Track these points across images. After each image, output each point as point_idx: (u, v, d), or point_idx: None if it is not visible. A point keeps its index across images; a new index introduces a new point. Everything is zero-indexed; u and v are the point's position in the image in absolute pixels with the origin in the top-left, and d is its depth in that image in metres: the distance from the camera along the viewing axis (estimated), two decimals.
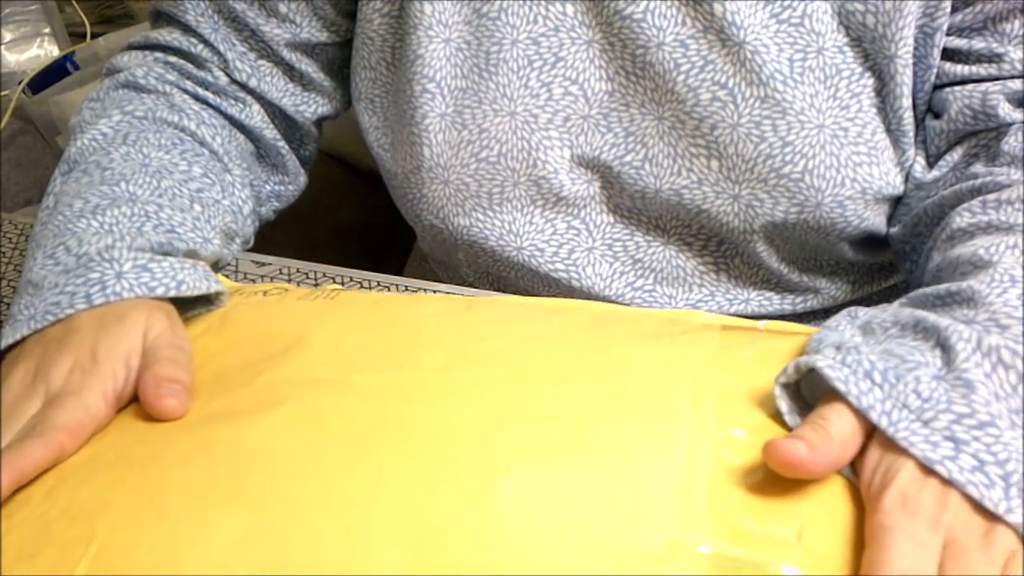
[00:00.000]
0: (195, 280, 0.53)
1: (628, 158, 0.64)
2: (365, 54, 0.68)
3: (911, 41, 0.59)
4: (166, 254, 0.54)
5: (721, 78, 0.60)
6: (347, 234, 1.14)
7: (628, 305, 0.67)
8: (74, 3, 1.37)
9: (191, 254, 0.56)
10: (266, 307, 0.55)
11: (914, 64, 0.60)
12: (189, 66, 0.69)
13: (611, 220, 0.67)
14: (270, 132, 0.71)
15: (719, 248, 0.67)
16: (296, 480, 0.41)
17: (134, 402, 0.48)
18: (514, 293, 0.71)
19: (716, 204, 0.63)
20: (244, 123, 0.69)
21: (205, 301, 0.56)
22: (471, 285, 0.74)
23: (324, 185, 1.17)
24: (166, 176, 0.59)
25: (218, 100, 0.68)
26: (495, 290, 0.73)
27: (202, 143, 0.65)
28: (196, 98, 0.68)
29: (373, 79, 0.69)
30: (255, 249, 0.71)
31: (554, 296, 0.68)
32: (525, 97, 0.64)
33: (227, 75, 0.69)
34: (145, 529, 0.39)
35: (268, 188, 0.73)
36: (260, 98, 0.70)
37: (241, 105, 0.69)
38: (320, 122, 0.75)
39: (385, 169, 0.70)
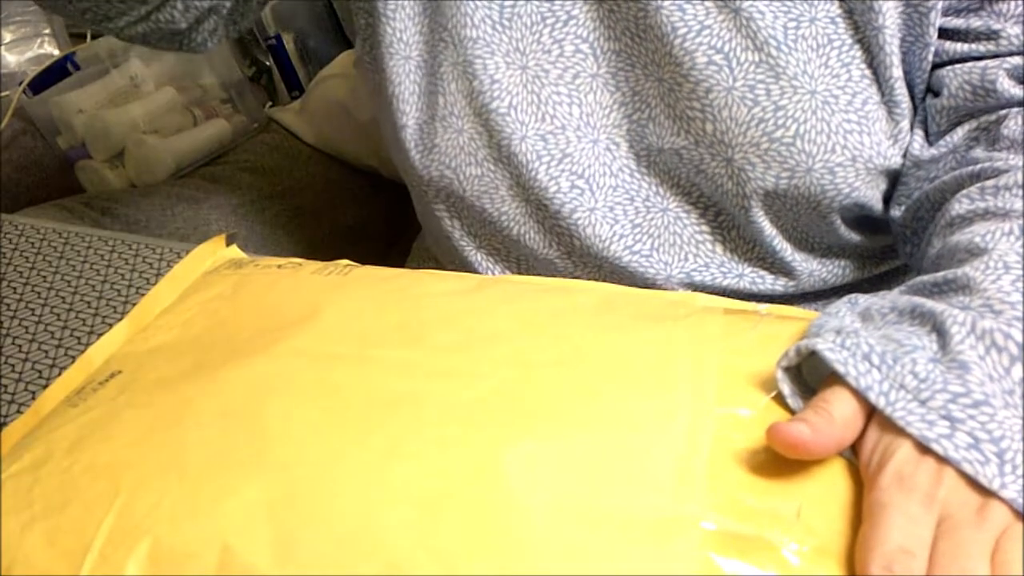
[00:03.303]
0: None
1: (635, 117, 0.65)
2: (393, 5, 0.69)
3: (895, 13, 0.60)
4: None
5: (717, 42, 0.61)
6: (347, 234, 1.14)
7: (624, 268, 0.68)
8: None
9: None
10: (280, 278, 0.56)
11: (911, 43, 0.61)
12: None
13: (613, 183, 0.67)
14: None
15: (716, 218, 0.68)
16: (315, 448, 0.42)
17: (140, 366, 0.49)
18: (509, 259, 0.72)
19: (712, 167, 0.64)
20: None
21: None
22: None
23: (324, 185, 1.18)
24: None
25: None
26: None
27: None
28: None
29: None
30: (255, 250, 0.72)
31: (552, 254, 0.69)
32: (537, 52, 0.65)
33: None
34: (168, 487, 0.40)
35: None
36: None
37: None
38: None
39: (395, 125, 0.70)
